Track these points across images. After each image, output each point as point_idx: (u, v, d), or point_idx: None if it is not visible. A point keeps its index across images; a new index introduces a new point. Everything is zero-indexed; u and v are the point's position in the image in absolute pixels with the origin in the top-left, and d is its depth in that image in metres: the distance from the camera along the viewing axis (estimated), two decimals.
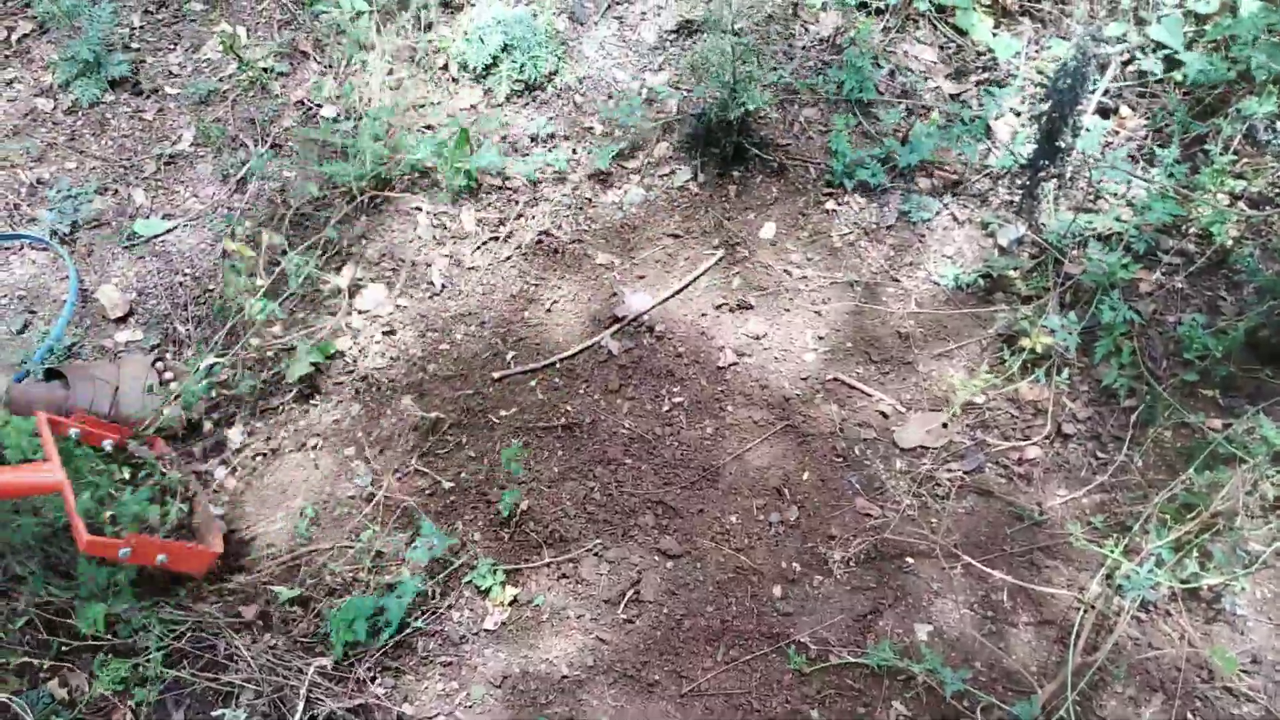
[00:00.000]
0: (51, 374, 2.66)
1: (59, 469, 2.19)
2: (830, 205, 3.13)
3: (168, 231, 3.15)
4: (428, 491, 2.63)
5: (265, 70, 3.43)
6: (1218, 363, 2.66)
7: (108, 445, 2.44)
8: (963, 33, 3.48)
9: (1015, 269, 2.93)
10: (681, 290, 2.99)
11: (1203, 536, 2.34)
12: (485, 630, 2.40)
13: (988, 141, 3.23)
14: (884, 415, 2.73)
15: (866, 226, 3.09)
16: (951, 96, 3.38)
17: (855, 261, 3.03)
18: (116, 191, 3.24)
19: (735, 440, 2.70)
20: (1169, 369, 2.73)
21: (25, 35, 3.71)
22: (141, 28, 3.69)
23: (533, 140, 3.34)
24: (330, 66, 3.53)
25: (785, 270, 3.02)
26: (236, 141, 3.33)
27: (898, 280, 2.99)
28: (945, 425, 2.68)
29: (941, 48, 3.50)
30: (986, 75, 3.40)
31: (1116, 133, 3.19)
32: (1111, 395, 2.69)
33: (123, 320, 2.96)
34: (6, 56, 3.64)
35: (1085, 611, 2.33)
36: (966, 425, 2.68)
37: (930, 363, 2.83)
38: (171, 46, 3.63)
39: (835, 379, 2.80)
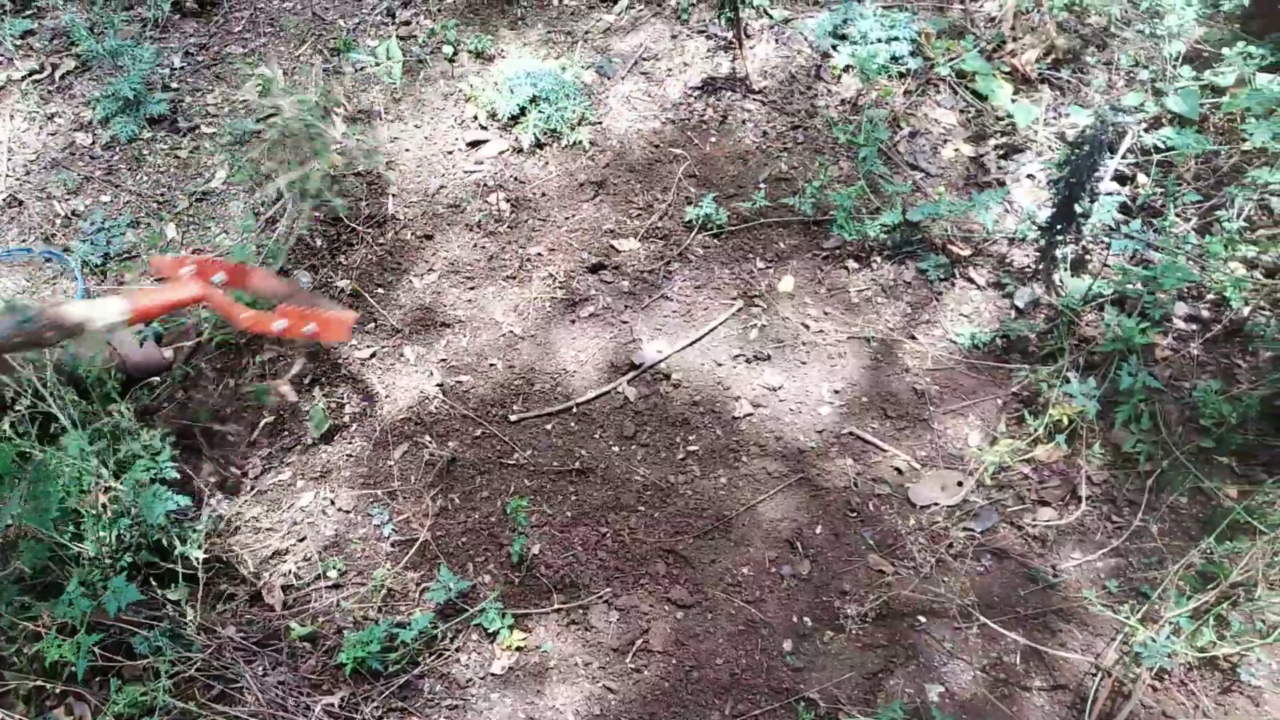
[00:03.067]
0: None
1: (193, 283, 2.51)
2: (849, 261, 3.17)
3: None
4: (441, 532, 2.63)
5: (302, 115, 3.51)
6: (1234, 430, 2.66)
7: (218, 278, 2.67)
8: (982, 98, 3.55)
9: (1031, 330, 2.95)
10: (699, 339, 3.01)
11: (1221, 606, 2.32)
12: (492, 674, 2.39)
13: (1005, 204, 3.27)
14: (898, 471, 2.73)
15: (884, 283, 3.13)
16: (970, 159, 3.43)
17: (873, 317, 3.06)
18: (149, 225, 3.31)
19: (749, 491, 2.70)
20: (1185, 435, 2.72)
21: (68, 72, 3.83)
22: (182, 68, 3.80)
23: (557, 189, 3.40)
24: (363, 113, 3.62)
25: (803, 323, 3.04)
26: (268, 181, 3.40)
27: (915, 337, 3.01)
28: (960, 483, 2.68)
29: (961, 111, 3.57)
30: (1005, 140, 3.46)
31: (1133, 199, 3.23)
32: (1128, 460, 2.68)
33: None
34: (50, 92, 3.75)
35: (1101, 678, 2.30)
36: (981, 484, 2.68)
37: (945, 420, 2.83)
38: (210, 87, 3.73)
39: (851, 433, 2.81)
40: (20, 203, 3.38)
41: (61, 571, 2.28)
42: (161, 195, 3.41)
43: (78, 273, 3.10)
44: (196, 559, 2.39)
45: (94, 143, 3.57)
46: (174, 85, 3.74)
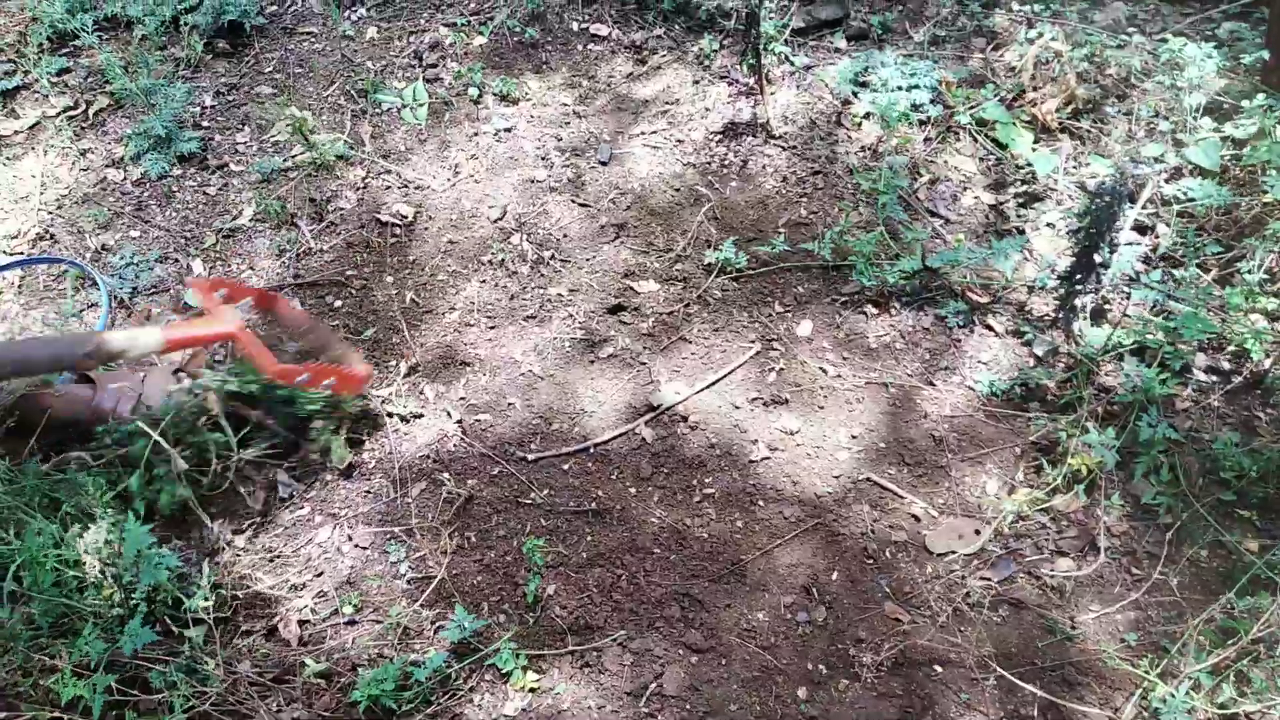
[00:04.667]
0: (83, 379, 2.75)
1: (229, 319, 2.62)
2: (868, 307, 3.18)
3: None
4: (456, 570, 2.64)
5: (329, 155, 3.58)
6: (1254, 484, 2.64)
7: (245, 303, 2.84)
8: (1003, 146, 3.58)
9: (1050, 379, 2.95)
10: (717, 382, 3.03)
11: (1242, 662, 2.29)
12: (505, 716, 2.38)
13: (1025, 252, 3.28)
14: (915, 519, 2.72)
15: (903, 329, 3.13)
16: (990, 207, 3.45)
17: (891, 363, 3.06)
18: (177, 260, 3.37)
19: (765, 535, 2.70)
20: (1205, 487, 2.70)
21: (102, 110, 3.92)
22: (213, 107, 3.89)
23: (578, 231, 3.44)
24: (388, 155, 3.68)
25: (821, 368, 3.05)
26: (294, 219, 3.46)
27: (933, 384, 3.01)
28: (977, 532, 2.67)
29: (981, 159, 3.59)
30: (1025, 188, 3.48)
31: (1153, 249, 3.23)
32: (1148, 511, 2.67)
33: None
34: (83, 128, 3.84)
35: None
36: (999, 533, 2.67)
37: (964, 468, 2.83)
38: (240, 126, 3.81)
39: (868, 479, 2.81)
40: (52, 236, 3.45)
41: (76, 617, 2.30)
42: (189, 231, 3.47)
43: (104, 301, 3.15)
44: (206, 609, 2.40)
45: (125, 179, 3.64)
46: (205, 123, 3.82)
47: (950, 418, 2.93)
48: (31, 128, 3.85)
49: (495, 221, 3.47)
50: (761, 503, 2.76)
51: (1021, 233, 3.34)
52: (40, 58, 4.00)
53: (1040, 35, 3.75)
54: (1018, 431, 2.89)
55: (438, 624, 2.51)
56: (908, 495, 2.77)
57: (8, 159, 3.72)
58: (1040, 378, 2.95)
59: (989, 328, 3.13)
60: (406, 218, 3.48)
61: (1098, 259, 2.75)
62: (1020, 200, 3.47)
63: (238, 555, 2.63)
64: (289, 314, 3.00)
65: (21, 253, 3.40)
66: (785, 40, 3.93)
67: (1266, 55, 3.48)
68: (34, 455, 2.56)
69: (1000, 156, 3.59)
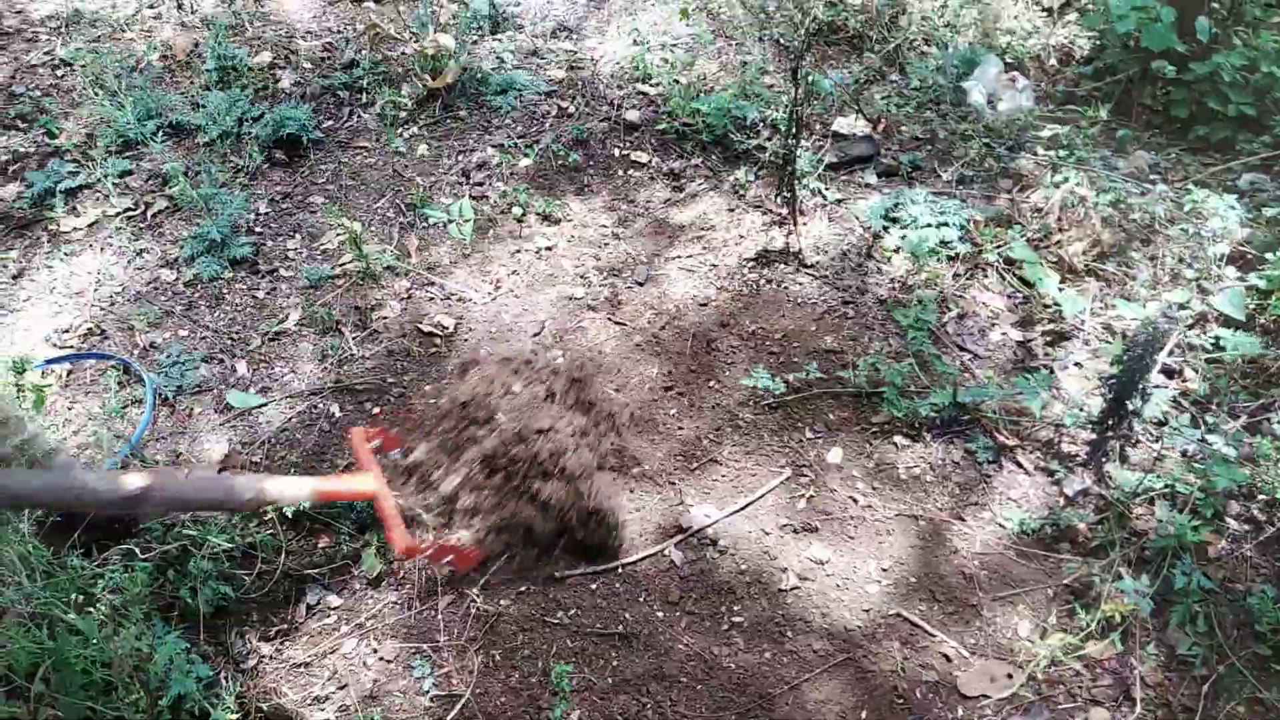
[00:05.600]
0: None
1: (375, 478, 2.59)
2: (898, 437, 3.22)
3: (260, 406, 3.31)
4: (480, 690, 2.61)
5: (377, 265, 3.70)
6: None
7: (375, 444, 2.86)
8: (1030, 285, 3.66)
9: (1081, 520, 2.95)
10: (747, 506, 3.04)
11: None
12: None
13: (1053, 391, 3.32)
14: (947, 658, 2.69)
15: (933, 462, 3.16)
16: (1018, 343, 3.52)
17: (921, 495, 3.08)
18: (222, 361, 3.45)
19: (794, 668, 2.67)
20: (1240, 639, 2.67)
21: (159, 211, 4.08)
22: (266, 214, 4.04)
23: (614, 349, 3.52)
24: (433, 268, 3.80)
25: (851, 497, 3.07)
26: (339, 325, 3.56)
27: (963, 519, 3.02)
28: (1010, 676, 2.63)
29: (1009, 297, 3.68)
30: (1053, 327, 3.55)
31: (1182, 394, 3.27)
32: (1184, 663, 2.63)
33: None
34: (140, 229, 3.98)
35: None
36: (1032, 678, 2.63)
37: (995, 607, 2.81)
38: (292, 233, 3.95)
39: (898, 615, 2.78)
40: (103, 332, 3.55)
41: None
42: (236, 333, 3.56)
43: (149, 399, 3.22)
44: None
45: (177, 279, 3.76)
46: (258, 229, 3.97)
47: (981, 554, 2.93)
48: (91, 225, 4.00)
49: (533, 335, 3.56)
50: (791, 634, 2.74)
51: (1050, 370, 3.39)
52: (107, 159, 4.18)
53: (1065, 180, 3.88)
54: (1049, 572, 2.88)
55: None
56: (939, 634, 2.74)
57: (65, 254, 3.85)
58: (1071, 519, 2.95)
59: (1018, 465, 3.15)
60: (447, 329, 3.57)
61: (1130, 406, 2.79)
62: (1048, 339, 3.54)
63: (264, 663, 2.61)
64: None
65: (71, 347, 3.49)
66: (818, 175, 4.08)
67: None
68: (75, 548, 2.57)
69: (1028, 295, 3.68)
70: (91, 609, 2.42)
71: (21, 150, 4.36)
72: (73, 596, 2.39)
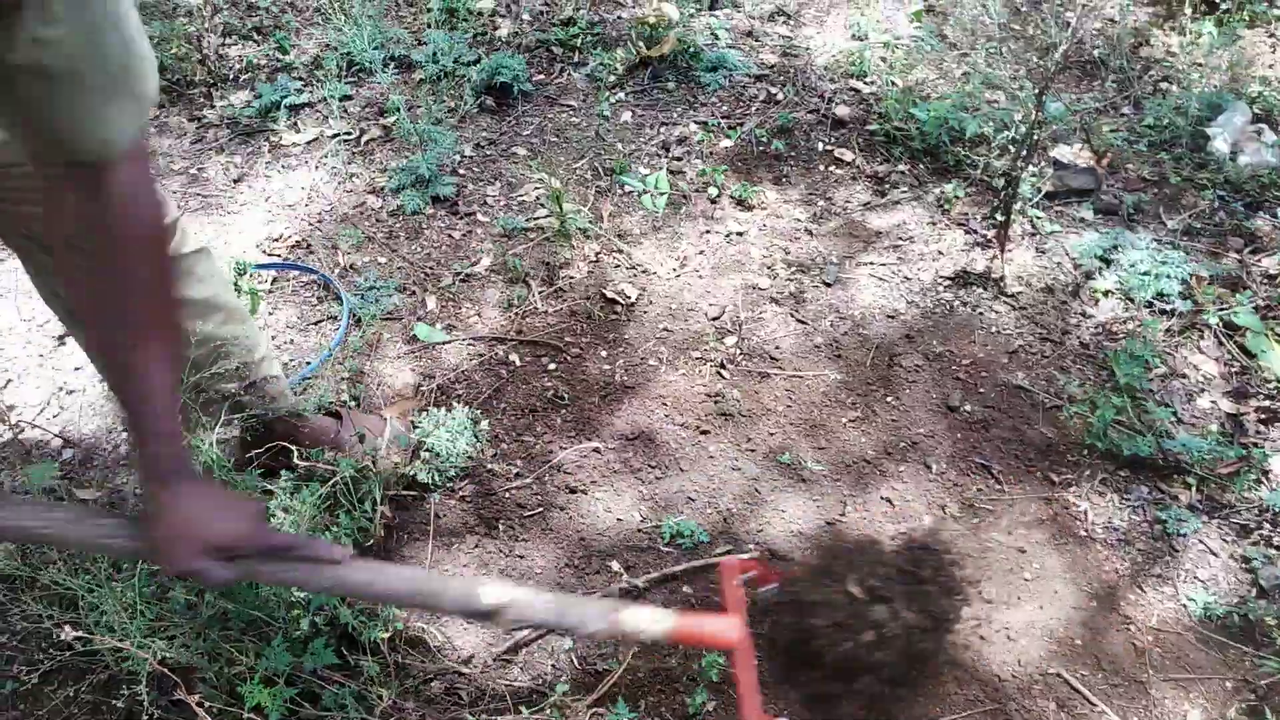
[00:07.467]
0: (330, 413, 2.87)
1: (739, 626, 2.05)
2: (1082, 492, 3.04)
3: (444, 342, 3.40)
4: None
5: (572, 225, 3.73)
6: None
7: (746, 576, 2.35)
8: (1251, 355, 3.39)
9: (1277, 617, 2.72)
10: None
11: None
12: None
13: (1261, 475, 3.07)
14: None
15: (1116, 523, 2.97)
16: (1229, 415, 3.27)
17: (1099, 556, 2.90)
18: (413, 294, 3.56)
19: (938, 707, 2.56)
20: None
21: (372, 139, 4.22)
22: (471, 158, 4.13)
23: (791, 346, 3.45)
24: (622, 235, 3.81)
25: (1019, 548, 2.92)
26: (527, 278, 3.61)
27: (1142, 590, 2.83)
28: None
29: (1225, 364, 3.42)
30: (1270, 404, 3.28)
31: None
32: None
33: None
34: (354, 153, 4.14)
35: None
36: None
37: (1165, 689, 2.63)
38: (492, 180, 4.03)
39: (1058, 674, 2.64)
40: (309, 246, 3.72)
41: (266, 626, 2.37)
42: (430, 268, 3.66)
43: (344, 318, 3.35)
44: (381, 640, 2.45)
45: (382, 208, 3.89)
46: (461, 171, 4.06)
47: (1156, 630, 2.74)
48: (309, 143, 4.18)
49: (713, 319, 3.52)
50: (940, 673, 2.64)
51: (1261, 450, 3.13)
52: (329, 81, 4.36)
53: None
54: (1231, 664, 2.67)
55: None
56: (1100, 703, 2.59)
57: (283, 167, 4.05)
58: (1264, 613, 2.73)
59: (1211, 541, 2.93)
60: (629, 298, 3.58)
61: None
62: (1261, 415, 3.27)
63: None
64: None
65: (279, 256, 3.66)
66: (1034, 202, 3.88)
67: None
68: (253, 464, 2.65)
69: (1246, 365, 3.40)
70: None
71: (254, 61, 4.60)
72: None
